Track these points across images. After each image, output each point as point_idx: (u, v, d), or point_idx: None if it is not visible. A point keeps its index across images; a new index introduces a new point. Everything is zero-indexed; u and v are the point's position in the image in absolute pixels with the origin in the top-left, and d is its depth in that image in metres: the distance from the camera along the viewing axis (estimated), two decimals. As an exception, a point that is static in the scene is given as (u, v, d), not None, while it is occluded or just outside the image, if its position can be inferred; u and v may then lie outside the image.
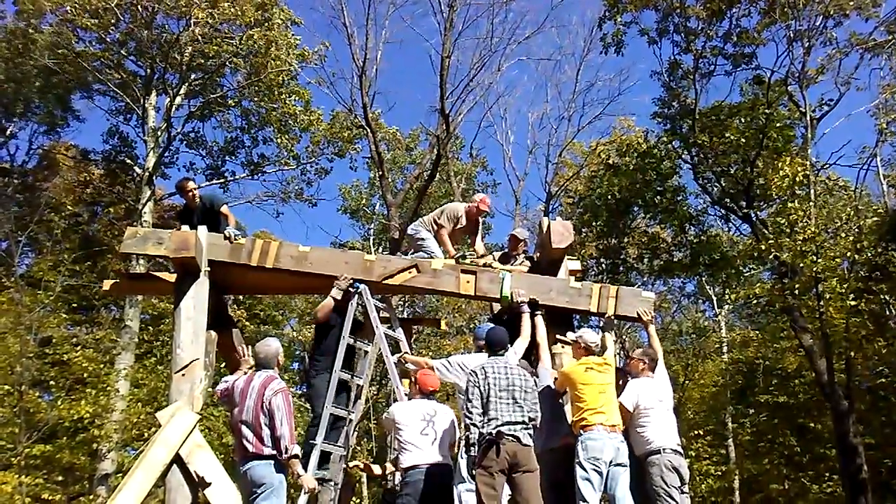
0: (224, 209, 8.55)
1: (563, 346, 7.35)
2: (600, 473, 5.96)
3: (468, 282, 7.72)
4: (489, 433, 5.59)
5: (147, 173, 20.61)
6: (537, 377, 6.67)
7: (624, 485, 6.02)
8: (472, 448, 5.62)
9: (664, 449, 6.27)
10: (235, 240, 7.78)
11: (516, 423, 5.69)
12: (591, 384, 6.23)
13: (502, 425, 5.62)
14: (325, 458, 7.04)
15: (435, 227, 8.68)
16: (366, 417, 22.90)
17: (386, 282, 7.71)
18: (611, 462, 6.00)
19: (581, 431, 6.12)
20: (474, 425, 5.63)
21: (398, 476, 6.08)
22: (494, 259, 8.52)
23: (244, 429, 5.67)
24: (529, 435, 5.76)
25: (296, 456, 5.72)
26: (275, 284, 8.89)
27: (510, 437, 5.61)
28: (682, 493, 6.25)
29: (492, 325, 7.22)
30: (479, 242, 8.89)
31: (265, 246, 7.72)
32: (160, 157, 21.43)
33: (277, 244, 7.82)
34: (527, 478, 5.63)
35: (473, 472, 5.70)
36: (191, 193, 8.57)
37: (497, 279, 7.67)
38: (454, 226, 8.67)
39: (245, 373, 6.09)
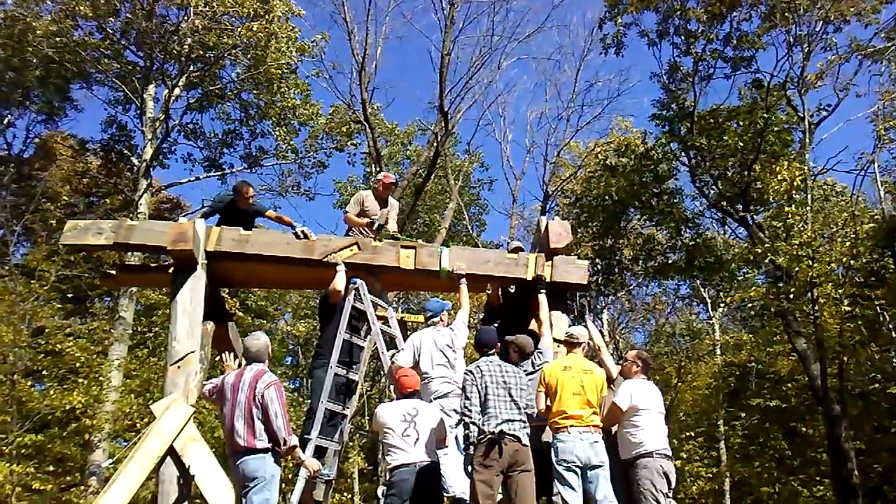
0: (271, 213, 8.82)
1: (557, 346, 7.39)
2: (576, 473, 5.95)
3: (408, 256, 7.91)
4: (491, 432, 5.63)
5: (144, 164, 20.54)
6: (541, 353, 6.91)
7: (604, 487, 5.98)
8: (471, 446, 5.66)
9: (655, 453, 6.25)
10: (309, 235, 7.89)
11: (515, 420, 5.75)
12: (567, 385, 6.21)
13: (502, 423, 5.67)
14: (320, 453, 7.04)
15: (344, 219, 8.91)
16: (360, 413, 22.88)
17: (328, 259, 7.80)
18: (587, 463, 5.97)
19: (553, 433, 6.13)
20: (473, 423, 5.67)
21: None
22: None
23: (236, 423, 5.67)
24: (527, 434, 5.82)
25: (295, 446, 5.76)
26: (272, 278, 8.90)
27: (511, 437, 5.67)
28: (669, 498, 6.25)
29: (437, 299, 7.69)
30: (392, 222, 8.99)
31: (207, 231, 7.71)
32: (158, 147, 21.36)
33: (219, 229, 7.83)
34: (523, 477, 5.67)
35: (471, 469, 5.70)
36: (250, 199, 8.60)
37: (436, 253, 7.91)
38: (360, 207, 8.83)
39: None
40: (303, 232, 7.87)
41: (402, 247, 7.98)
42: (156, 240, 7.63)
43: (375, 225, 8.70)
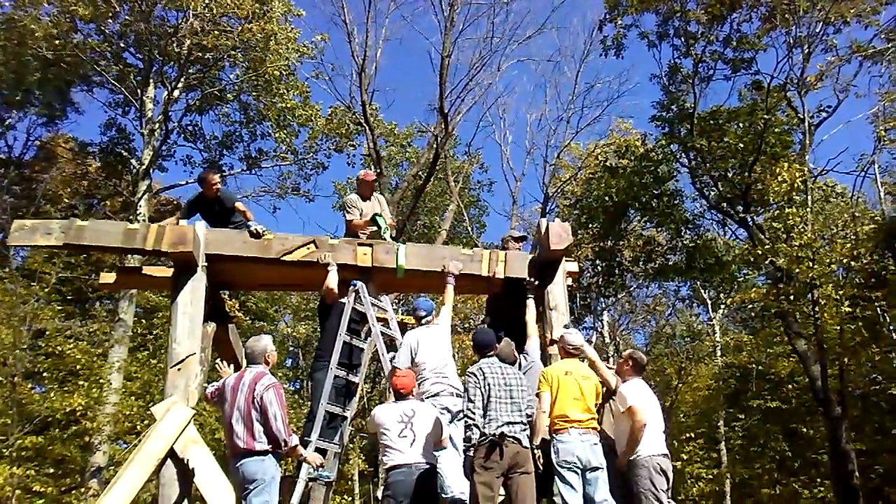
0: (239, 205, 8.62)
1: (554, 347, 7.39)
2: (577, 473, 5.94)
3: (365, 254, 7.99)
4: (492, 434, 5.64)
5: (144, 166, 20.54)
6: (526, 355, 7.04)
7: (603, 490, 5.97)
8: (471, 448, 5.67)
9: (653, 452, 6.27)
10: (263, 233, 7.80)
11: (516, 423, 5.76)
12: (568, 390, 6.20)
13: (503, 426, 5.67)
14: (321, 455, 7.03)
15: (347, 227, 8.87)
16: (360, 415, 22.89)
17: (285, 258, 7.79)
18: (587, 465, 5.96)
19: (553, 434, 6.13)
20: (476, 425, 5.68)
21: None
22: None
23: (235, 425, 5.67)
24: (527, 436, 5.83)
25: (296, 445, 5.80)
26: (272, 280, 8.89)
27: (512, 439, 5.68)
28: (668, 496, 6.25)
29: (427, 299, 7.72)
30: (386, 214, 9.05)
31: (159, 231, 7.52)
32: (157, 150, 21.35)
33: (171, 228, 7.63)
34: (524, 479, 5.67)
35: (472, 471, 5.70)
36: (215, 187, 8.54)
37: (392, 250, 7.99)
38: (359, 210, 8.84)
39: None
40: (257, 230, 7.81)
41: (359, 244, 8.05)
42: (108, 240, 7.57)
43: (370, 216, 8.71)
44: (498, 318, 8.30)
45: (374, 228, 8.70)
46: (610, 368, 7.06)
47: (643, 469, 6.19)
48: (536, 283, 7.88)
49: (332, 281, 7.63)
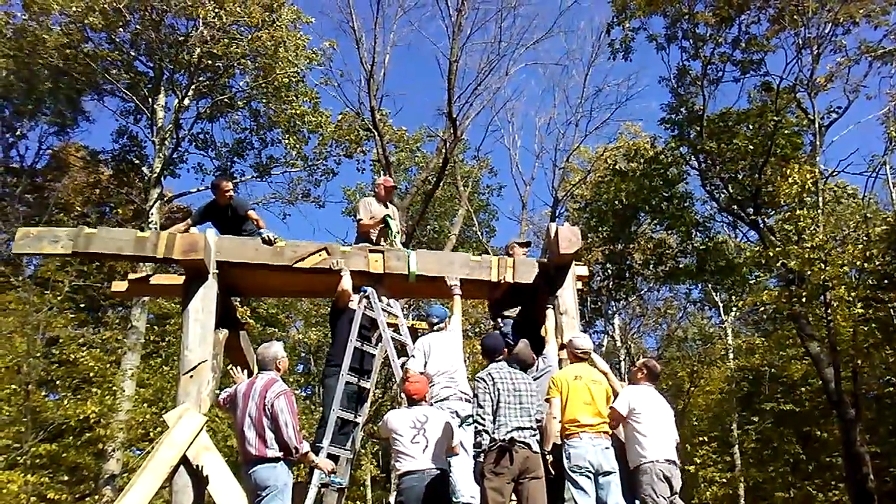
0: (251, 213, 8.65)
1: (563, 352, 7.41)
2: (589, 477, 5.95)
3: (377, 261, 8.02)
4: (501, 439, 5.64)
5: (155, 174, 20.65)
6: (545, 357, 7.15)
7: (616, 494, 5.99)
8: (482, 454, 5.67)
9: (657, 458, 6.27)
10: (276, 241, 7.83)
11: (525, 428, 5.75)
12: (578, 395, 6.22)
13: (513, 431, 5.67)
14: (333, 462, 7.05)
15: (358, 228, 8.97)
16: (372, 421, 22.89)
17: (298, 265, 7.80)
18: (599, 469, 5.97)
19: (565, 440, 6.14)
20: (486, 431, 5.68)
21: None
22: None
23: (247, 432, 5.69)
24: (537, 441, 5.84)
25: (307, 452, 5.82)
26: (284, 286, 8.93)
27: (522, 445, 5.68)
28: (670, 502, 6.23)
29: (441, 306, 7.79)
30: (396, 223, 9.11)
31: (170, 238, 7.51)
32: (169, 157, 21.47)
33: (182, 235, 7.61)
34: (534, 484, 5.68)
35: (482, 476, 5.69)
36: (228, 194, 8.59)
37: (403, 257, 8.03)
38: (370, 213, 8.89)
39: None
40: (270, 238, 7.83)
41: (370, 251, 8.08)
42: (118, 248, 7.53)
43: (382, 216, 8.80)
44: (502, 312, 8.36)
45: (384, 227, 8.77)
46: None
47: (645, 475, 6.22)
48: (554, 297, 7.86)
49: (347, 283, 7.68)
